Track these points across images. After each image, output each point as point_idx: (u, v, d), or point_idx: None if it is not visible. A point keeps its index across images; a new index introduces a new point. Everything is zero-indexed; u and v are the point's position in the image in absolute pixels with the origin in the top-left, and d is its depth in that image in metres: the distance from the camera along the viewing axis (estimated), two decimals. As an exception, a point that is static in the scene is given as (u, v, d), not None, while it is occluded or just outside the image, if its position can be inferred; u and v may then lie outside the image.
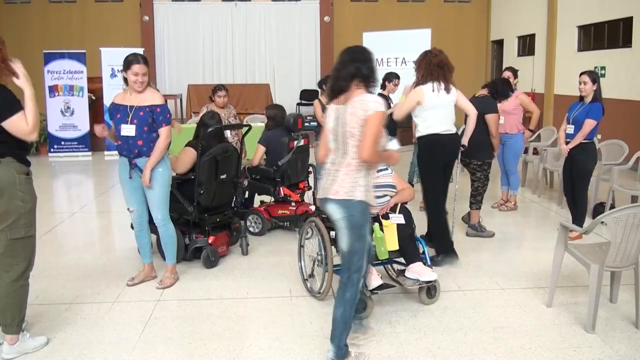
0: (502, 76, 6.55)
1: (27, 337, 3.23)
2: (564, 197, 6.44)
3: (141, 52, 12.19)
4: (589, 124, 5.11)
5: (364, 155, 2.80)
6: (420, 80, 4.57)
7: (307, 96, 14.16)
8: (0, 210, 2.96)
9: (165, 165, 4.00)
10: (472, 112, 4.69)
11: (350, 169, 2.86)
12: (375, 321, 3.58)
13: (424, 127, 4.57)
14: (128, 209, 4.16)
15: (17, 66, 2.96)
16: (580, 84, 5.20)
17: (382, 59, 11.44)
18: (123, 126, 3.89)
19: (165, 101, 4.01)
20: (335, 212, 2.88)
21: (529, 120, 6.88)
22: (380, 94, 6.05)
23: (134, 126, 3.85)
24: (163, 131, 3.89)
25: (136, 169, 3.94)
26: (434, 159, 4.57)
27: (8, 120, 2.89)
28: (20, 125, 2.91)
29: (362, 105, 2.81)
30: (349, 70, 2.88)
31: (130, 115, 3.86)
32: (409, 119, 4.88)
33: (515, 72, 6.68)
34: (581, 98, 5.27)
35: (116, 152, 4.13)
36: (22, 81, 2.96)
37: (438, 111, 4.50)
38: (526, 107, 6.48)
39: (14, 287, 3.06)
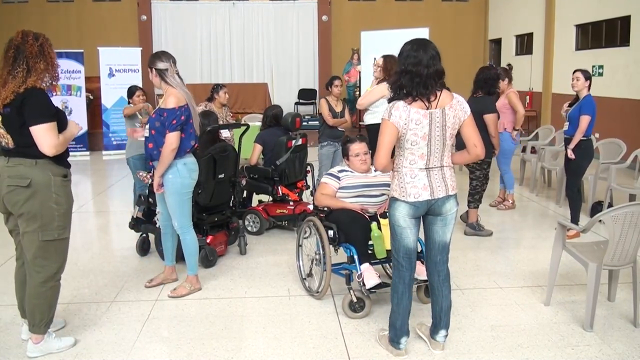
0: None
1: (53, 337, 3.19)
2: (562, 196, 6.46)
3: (139, 52, 12.05)
4: (584, 120, 5.16)
5: (480, 154, 2.96)
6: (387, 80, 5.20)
7: (306, 95, 14.16)
8: (33, 211, 2.93)
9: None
10: None
11: (451, 166, 3.00)
12: (374, 320, 3.58)
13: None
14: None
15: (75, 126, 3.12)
16: (572, 80, 5.30)
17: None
18: (145, 127, 3.93)
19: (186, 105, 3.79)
20: (453, 206, 3.00)
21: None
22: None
23: (147, 128, 3.87)
24: (166, 137, 3.72)
25: (153, 170, 3.91)
26: None
27: (37, 127, 2.85)
28: (49, 135, 2.86)
29: (463, 106, 2.91)
30: (438, 67, 2.87)
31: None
32: None
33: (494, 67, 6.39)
34: (577, 97, 5.36)
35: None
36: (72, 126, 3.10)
37: None
38: (512, 105, 6.36)
39: (44, 288, 3.04)
